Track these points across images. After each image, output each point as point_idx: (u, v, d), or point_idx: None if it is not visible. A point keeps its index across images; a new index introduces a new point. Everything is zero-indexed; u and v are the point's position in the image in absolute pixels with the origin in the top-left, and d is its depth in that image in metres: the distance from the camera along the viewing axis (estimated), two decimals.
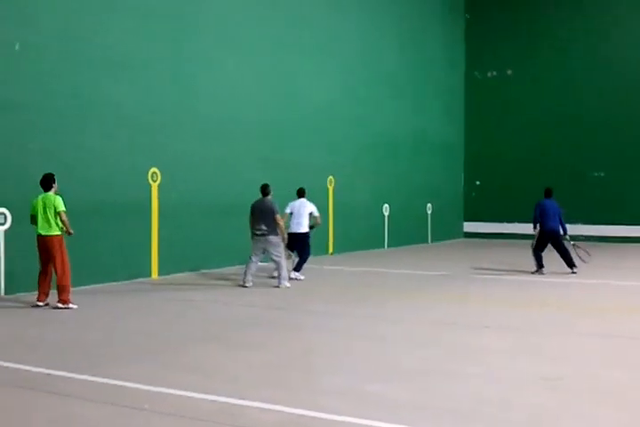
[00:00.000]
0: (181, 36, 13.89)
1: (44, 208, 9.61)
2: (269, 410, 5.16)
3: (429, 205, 23.36)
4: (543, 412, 5.20)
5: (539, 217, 14.07)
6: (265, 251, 11.95)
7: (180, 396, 5.50)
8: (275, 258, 11.87)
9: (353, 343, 7.62)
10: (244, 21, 15.56)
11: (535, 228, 14.18)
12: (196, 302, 10.40)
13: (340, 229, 18.74)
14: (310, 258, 13.47)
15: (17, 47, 10.89)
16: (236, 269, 14.13)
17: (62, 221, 9.63)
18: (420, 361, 6.79)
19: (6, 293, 10.70)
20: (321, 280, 13.15)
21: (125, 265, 12.65)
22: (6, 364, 6.49)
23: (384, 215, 20.92)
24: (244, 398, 5.40)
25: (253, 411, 5.14)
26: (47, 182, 9.76)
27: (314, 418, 4.99)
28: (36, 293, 9.85)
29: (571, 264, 14.05)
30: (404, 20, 22.25)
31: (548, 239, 14.00)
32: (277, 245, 11.87)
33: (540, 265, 14.07)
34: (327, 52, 18.42)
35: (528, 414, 5.15)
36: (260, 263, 12.25)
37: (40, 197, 9.72)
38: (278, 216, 11.83)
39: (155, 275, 13.21)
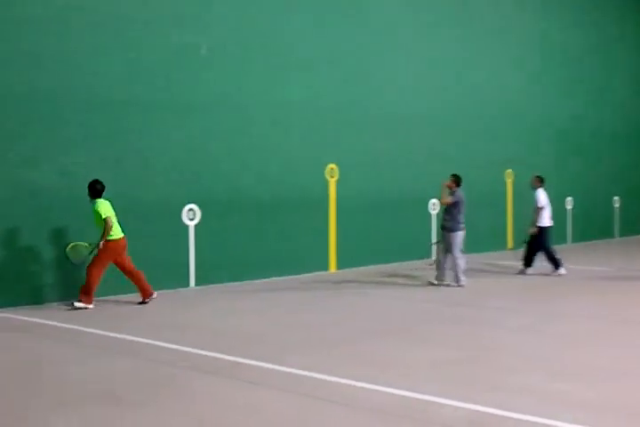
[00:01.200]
0: (356, 34, 14.01)
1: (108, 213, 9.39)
2: (450, 406, 5.09)
3: (616, 198, 22.09)
4: None
5: None
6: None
7: (361, 388, 5.56)
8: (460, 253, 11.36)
9: (536, 340, 7.36)
10: (416, 14, 15.45)
11: None
12: (372, 296, 10.48)
13: (521, 224, 18.14)
14: (487, 254, 13.18)
15: (203, 51, 11.46)
16: (413, 263, 14.08)
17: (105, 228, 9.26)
18: (612, 361, 6.44)
19: (196, 284, 11.32)
20: (499, 276, 12.82)
21: (304, 259, 12.98)
22: (197, 351, 6.86)
23: (567, 209, 20.03)
24: (423, 393, 5.37)
25: (433, 406, 5.10)
26: (103, 187, 9.49)
27: (495, 416, 4.87)
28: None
29: None
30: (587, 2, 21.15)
31: None
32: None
33: None
34: (503, 39, 17.86)
35: None
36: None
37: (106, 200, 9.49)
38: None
39: (332, 269, 13.46)
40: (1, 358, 6.75)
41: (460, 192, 11.42)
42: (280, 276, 12.41)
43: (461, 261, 11.29)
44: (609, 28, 22.19)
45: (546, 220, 12.84)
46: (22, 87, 9.50)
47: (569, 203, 20.08)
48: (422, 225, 15.33)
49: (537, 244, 12.73)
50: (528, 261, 12.96)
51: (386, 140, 14.57)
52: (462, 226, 11.32)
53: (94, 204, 9.31)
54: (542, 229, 12.77)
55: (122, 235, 9.47)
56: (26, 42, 9.52)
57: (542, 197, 12.97)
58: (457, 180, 11.51)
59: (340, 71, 13.71)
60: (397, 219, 14.66)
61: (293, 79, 12.89)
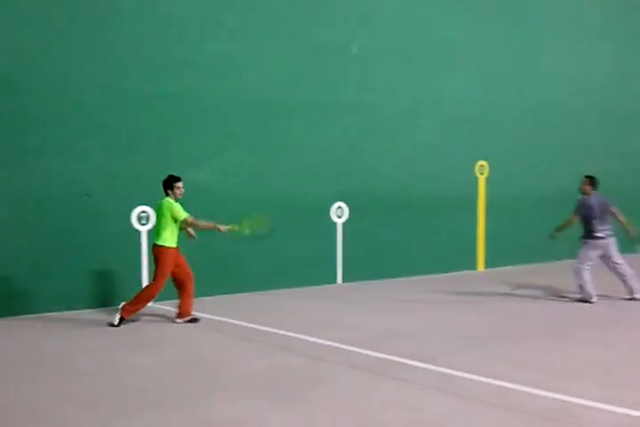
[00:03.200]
0: (517, 27, 13.75)
1: (157, 215, 8.34)
2: (605, 411, 4.94)
3: None
4: None
5: None
6: (603, 256, 9.82)
7: (513, 389, 5.49)
8: (619, 264, 9.79)
9: None
10: (584, 6, 14.95)
11: None
12: (521, 297, 10.25)
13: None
14: None
15: (355, 50, 11.62)
16: (564, 263, 13.63)
17: (192, 225, 8.27)
18: None
19: (343, 280, 11.51)
20: None
21: (454, 257, 12.90)
22: (354, 349, 7.01)
23: None
24: (581, 397, 5.23)
25: (588, 411, 4.96)
26: (164, 186, 8.29)
27: None
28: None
29: None
30: None
31: None
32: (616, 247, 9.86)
33: None
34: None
35: None
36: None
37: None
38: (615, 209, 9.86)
39: (481, 267, 13.29)
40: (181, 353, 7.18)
41: (591, 197, 9.74)
42: (429, 274, 12.39)
43: (584, 273, 9.68)
44: None
45: None
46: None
47: None
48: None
49: None
50: None
51: (541, 135, 14.20)
52: (597, 235, 9.61)
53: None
54: None
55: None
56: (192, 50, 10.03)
57: None
58: (591, 182, 9.86)
59: (499, 66, 13.49)
60: (549, 217, 14.21)
61: (454, 74, 12.87)
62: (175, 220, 8.10)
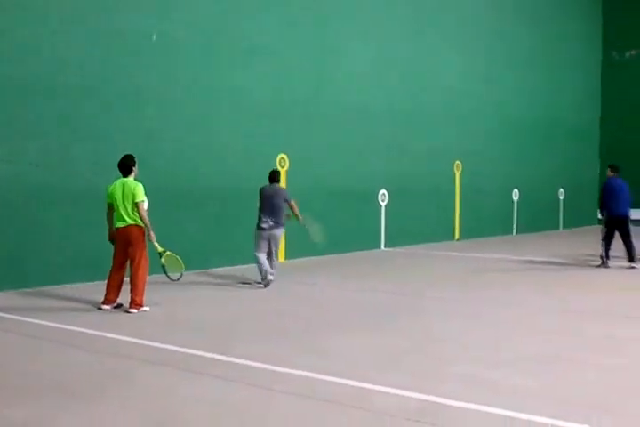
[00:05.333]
0: (313, 24, 14.03)
1: (125, 196, 8.29)
2: (395, 395, 5.18)
3: (562, 190, 22.59)
4: None
5: (606, 201, 12.55)
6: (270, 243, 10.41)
7: (309, 377, 5.61)
8: (274, 252, 10.49)
9: (479, 329, 7.51)
10: (376, 6, 15.52)
11: (602, 213, 12.67)
12: (319, 286, 10.54)
13: (468, 215, 18.45)
14: (433, 244, 13.32)
15: (154, 38, 11.32)
16: (368, 252, 14.19)
17: (139, 214, 8.27)
18: (548, 349, 6.61)
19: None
20: (445, 266, 13.02)
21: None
22: (154, 344, 6.83)
23: (513, 200, 20.42)
24: (368, 382, 5.45)
25: (380, 395, 5.18)
26: (126, 167, 8.39)
27: (438, 404, 4.97)
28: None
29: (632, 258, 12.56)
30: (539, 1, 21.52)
31: (616, 226, 12.50)
32: (280, 238, 10.60)
33: (606, 256, 12.63)
34: (457, 36, 18.07)
35: None
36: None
37: (117, 182, 8.38)
38: (292, 202, 10.50)
39: (282, 258, 13.48)
40: None
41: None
42: (231, 265, 12.39)
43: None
44: (561, 30, 22.65)
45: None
46: None
47: (515, 194, 20.47)
48: (373, 217, 15.46)
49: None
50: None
51: (340, 131, 14.65)
52: (261, 225, 10.36)
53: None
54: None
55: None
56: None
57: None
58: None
59: (298, 61, 13.71)
60: (348, 210, 14.75)
61: (251, 67, 12.86)
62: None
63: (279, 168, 13.35)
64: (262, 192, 10.46)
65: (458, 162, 18.16)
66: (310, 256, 13.85)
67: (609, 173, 13.14)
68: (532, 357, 6.37)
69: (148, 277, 8.55)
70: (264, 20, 13.10)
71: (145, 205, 8.30)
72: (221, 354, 6.31)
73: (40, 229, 9.97)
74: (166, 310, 8.59)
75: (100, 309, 8.44)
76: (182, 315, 8.33)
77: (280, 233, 10.45)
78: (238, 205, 12.49)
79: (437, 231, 17.44)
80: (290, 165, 13.57)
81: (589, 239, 19.19)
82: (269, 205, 10.30)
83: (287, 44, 13.50)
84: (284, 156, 13.48)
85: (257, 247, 10.34)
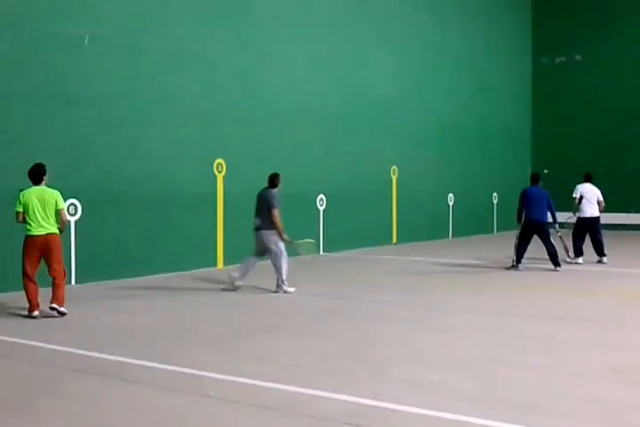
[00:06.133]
0: (243, 28, 13.98)
1: (44, 204, 8.30)
2: (334, 399, 5.19)
3: (495, 194, 23.04)
4: (613, 405, 5.09)
5: (523, 207, 12.93)
6: (262, 246, 10.45)
7: (247, 384, 5.58)
8: (273, 256, 10.34)
9: (417, 333, 7.59)
10: (305, 11, 15.58)
11: (520, 219, 12.97)
12: (260, 292, 10.50)
13: (404, 219, 18.65)
14: (371, 249, 13.36)
15: (86, 41, 11.14)
16: (307, 258, 14.18)
17: (62, 220, 8.44)
18: (486, 351, 6.73)
19: (77, 282, 11.00)
20: (384, 270, 13.12)
21: (192, 255, 12.86)
22: (80, 351, 6.69)
23: (449, 205, 20.73)
24: (309, 388, 5.45)
25: (319, 400, 5.19)
26: (38, 175, 8.42)
27: (377, 407, 5.01)
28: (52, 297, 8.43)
29: (555, 261, 12.87)
30: (469, 5, 21.91)
31: (532, 231, 12.88)
32: (272, 241, 10.31)
33: (518, 260, 12.97)
34: (388, 41, 18.27)
35: (597, 407, 5.06)
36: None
37: (32, 190, 8.36)
38: (275, 211, 10.27)
39: (220, 265, 13.40)
40: None
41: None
42: (168, 272, 12.25)
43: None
44: (491, 35, 23.11)
45: (585, 211, 14.10)
46: None
47: (450, 199, 20.78)
48: (311, 222, 15.49)
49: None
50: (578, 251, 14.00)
51: (276, 135, 14.64)
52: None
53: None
54: (579, 220, 14.14)
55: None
56: None
57: (579, 189, 14.23)
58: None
59: (231, 66, 13.67)
60: (285, 215, 14.71)
61: (184, 72, 12.77)
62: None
63: (216, 173, 13.26)
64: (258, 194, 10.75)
65: (394, 167, 18.34)
66: None
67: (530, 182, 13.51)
68: (469, 358, 6.47)
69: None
70: (195, 23, 13.01)
71: (65, 213, 8.56)
72: (156, 362, 6.23)
73: None
74: (95, 317, 8.44)
75: (32, 316, 8.29)
76: (112, 322, 8.19)
77: (268, 235, 10.32)
78: (171, 211, 12.39)
79: (375, 235, 17.58)
80: (227, 170, 13.49)
81: None
82: (257, 207, 10.55)
83: (217, 46, 13.42)
84: (221, 160, 13.40)
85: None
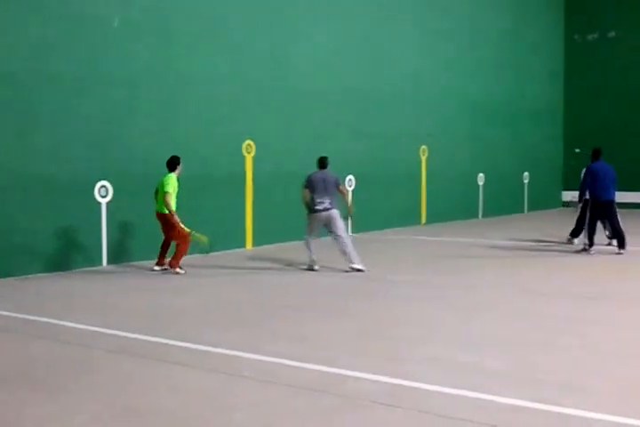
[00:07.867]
0: (272, 8, 13.91)
1: (158, 187, 10.30)
2: (366, 379, 5.20)
3: (526, 173, 22.80)
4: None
5: (589, 185, 12.21)
6: (326, 226, 10.60)
7: (278, 364, 5.62)
8: (340, 234, 10.47)
9: (445, 313, 7.58)
10: None
11: (581, 199, 12.53)
12: (289, 272, 10.54)
13: (434, 199, 18.55)
14: (403, 229, 13.33)
15: (116, 23, 11.16)
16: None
17: (164, 202, 10.11)
18: (515, 331, 6.70)
19: (108, 263, 11.12)
20: (413, 250, 13.09)
21: (221, 236, 12.90)
22: (114, 331, 6.77)
23: (479, 185, 20.56)
24: (339, 367, 5.47)
25: (349, 380, 5.20)
26: (171, 164, 10.38)
27: (408, 387, 5.01)
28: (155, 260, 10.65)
29: (622, 243, 12.16)
30: None
31: (601, 210, 12.20)
32: (340, 219, 10.56)
33: (591, 243, 12.31)
34: (418, 20, 18.06)
35: (619, 386, 5.02)
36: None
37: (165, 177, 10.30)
38: (342, 188, 10.89)
39: (249, 246, 13.45)
40: None
41: (317, 173, 10.75)
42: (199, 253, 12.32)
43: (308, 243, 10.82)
44: (523, 13, 22.75)
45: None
46: None
47: (480, 179, 20.60)
48: (339, 202, 15.43)
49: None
50: (579, 233, 13.08)
51: (303, 116, 14.59)
52: (316, 207, 10.52)
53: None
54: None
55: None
56: None
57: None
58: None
59: (261, 45, 13.62)
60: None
61: (215, 52, 12.79)
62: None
63: (245, 154, 13.29)
64: (311, 178, 10.61)
65: (424, 146, 18.22)
66: (276, 243, 13.82)
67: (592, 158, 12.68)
68: (500, 339, 6.44)
69: None
70: (223, 5, 12.97)
71: (168, 197, 10.10)
72: (185, 341, 6.29)
73: None
74: (127, 297, 8.54)
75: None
76: (137, 303, 8.27)
77: (337, 213, 10.49)
78: (200, 192, 12.44)
79: (404, 216, 17.51)
80: (256, 151, 13.50)
81: (554, 222, 19.46)
82: (322, 188, 10.46)
83: (246, 28, 13.37)
84: (251, 142, 13.41)
85: (309, 230, 10.66)
